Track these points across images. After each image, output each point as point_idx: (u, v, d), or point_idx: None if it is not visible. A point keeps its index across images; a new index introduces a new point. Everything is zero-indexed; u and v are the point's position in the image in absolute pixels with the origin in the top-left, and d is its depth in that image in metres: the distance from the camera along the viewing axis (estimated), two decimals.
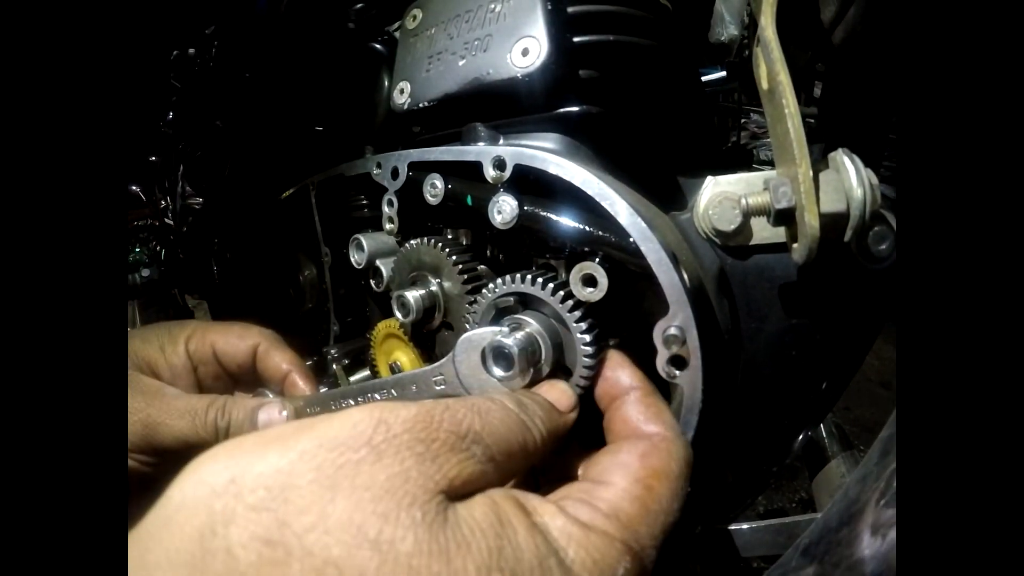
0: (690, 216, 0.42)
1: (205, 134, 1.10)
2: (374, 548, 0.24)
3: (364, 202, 0.69)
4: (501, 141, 0.51)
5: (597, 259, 0.40)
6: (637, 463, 0.33)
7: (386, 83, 0.68)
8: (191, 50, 1.04)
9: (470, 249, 0.52)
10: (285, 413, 0.50)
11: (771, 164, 0.40)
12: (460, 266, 0.49)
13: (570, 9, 0.47)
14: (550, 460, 0.38)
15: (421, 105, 0.54)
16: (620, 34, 0.49)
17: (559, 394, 0.38)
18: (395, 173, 0.56)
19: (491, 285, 0.43)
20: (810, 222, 0.32)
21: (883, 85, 0.49)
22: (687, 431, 0.39)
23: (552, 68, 0.46)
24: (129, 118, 1.12)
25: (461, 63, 0.51)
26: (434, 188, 0.51)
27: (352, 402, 0.47)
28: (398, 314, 0.51)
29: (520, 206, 0.44)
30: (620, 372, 0.39)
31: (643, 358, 0.40)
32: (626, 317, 0.43)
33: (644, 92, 0.52)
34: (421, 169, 0.53)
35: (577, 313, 0.39)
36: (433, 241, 0.51)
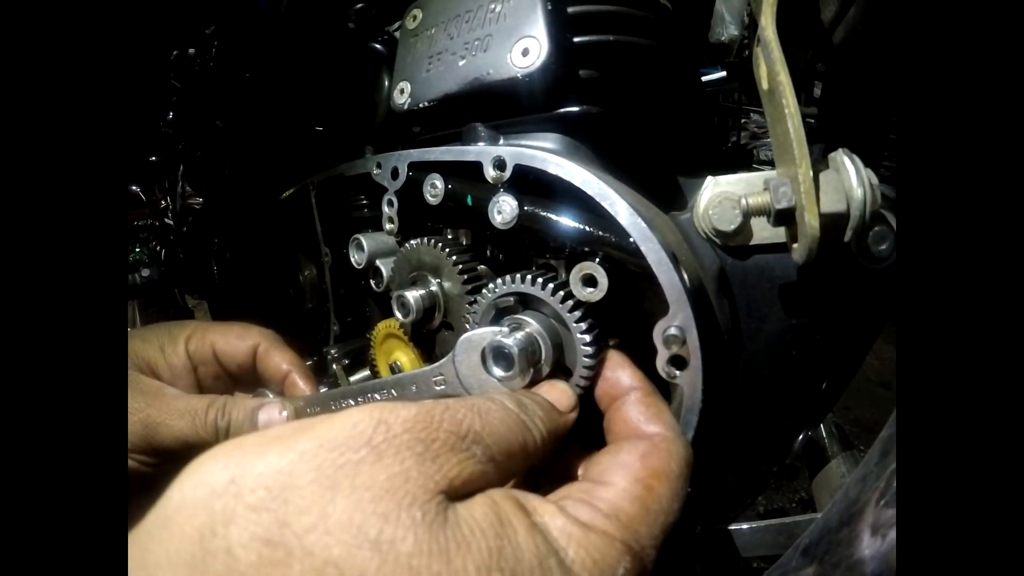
0: (690, 216, 0.42)
1: (205, 134, 1.10)
2: (374, 548, 0.24)
3: (364, 202, 0.69)
4: (501, 141, 0.51)
5: (597, 259, 0.40)
6: (637, 463, 0.33)
7: (386, 83, 0.68)
8: (191, 50, 1.04)
9: (470, 249, 0.52)
10: (285, 413, 0.50)
11: (771, 164, 0.40)
12: (460, 266, 0.49)
13: (570, 9, 0.47)
14: (550, 460, 0.38)
15: (421, 105, 0.54)
16: (620, 34, 0.49)
17: (559, 394, 0.38)
18: (395, 173, 0.56)
19: (491, 285, 0.43)
20: (810, 222, 0.32)
21: (883, 85, 0.49)
22: (687, 431, 0.39)
23: (552, 68, 0.46)
24: (129, 118, 1.12)
25: (461, 63, 0.51)
26: (434, 188, 0.51)
27: (352, 402, 0.47)
28: (398, 314, 0.51)
29: (520, 206, 0.44)
30: (620, 372, 0.39)
31: (643, 358, 0.40)
32: (626, 317, 0.43)
33: (644, 92, 0.52)
34: (421, 169, 0.53)
35: (577, 313, 0.39)
36: (433, 241, 0.51)
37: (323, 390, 0.55)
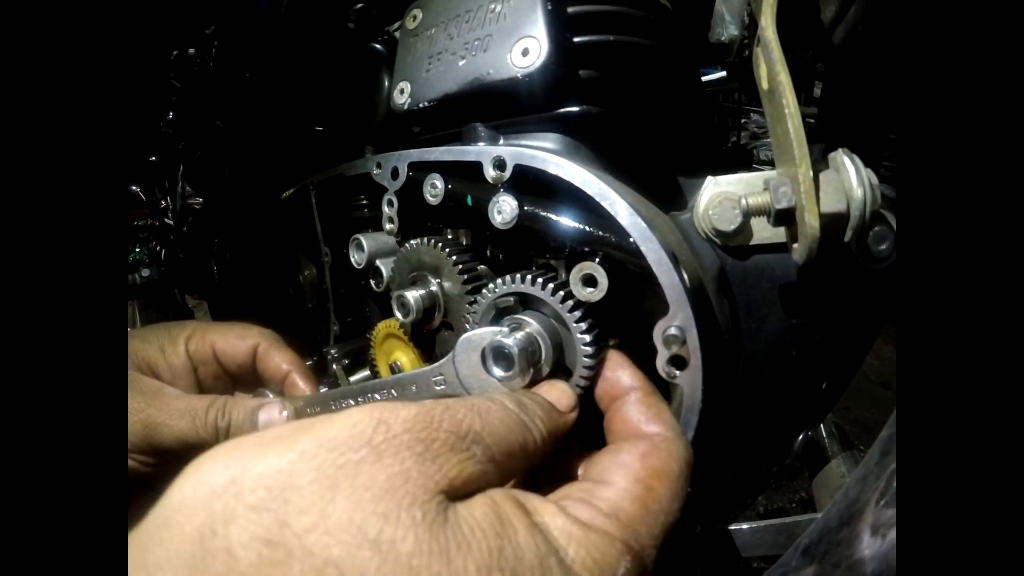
0: (690, 216, 0.42)
1: (205, 134, 1.10)
2: (374, 548, 0.24)
3: (364, 202, 0.69)
4: (501, 141, 0.51)
5: (597, 259, 0.40)
6: (638, 463, 0.33)
7: (386, 83, 0.68)
8: (191, 50, 1.04)
9: (470, 249, 0.52)
10: (285, 413, 0.50)
11: (771, 164, 0.40)
12: (460, 266, 0.49)
13: (570, 9, 0.47)
14: (550, 460, 0.38)
15: (421, 105, 0.54)
16: (620, 34, 0.49)
17: (559, 394, 0.38)
18: (395, 173, 0.56)
19: (491, 285, 0.43)
20: (810, 222, 0.32)
21: (883, 85, 0.49)
22: (687, 431, 0.39)
23: (552, 68, 0.46)
24: (129, 118, 1.12)
25: (461, 63, 0.51)
26: (434, 188, 0.51)
27: (352, 402, 0.47)
28: (398, 314, 0.51)
29: (520, 206, 0.44)
30: (620, 372, 0.39)
31: (643, 358, 0.40)
32: (626, 317, 0.43)
33: (644, 92, 0.52)
34: (421, 169, 0.53)
35: (577, 313, 0.39)
36: (433, 241, 0.51)
37: (323, 390, 0.55)
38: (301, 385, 0.57)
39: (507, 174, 0.45)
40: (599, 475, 0.33)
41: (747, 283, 0.41)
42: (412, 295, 0.50)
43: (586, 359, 0.39)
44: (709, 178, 0.41)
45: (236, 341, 0.57)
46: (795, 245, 0.35)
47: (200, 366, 0.57)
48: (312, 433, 0.27)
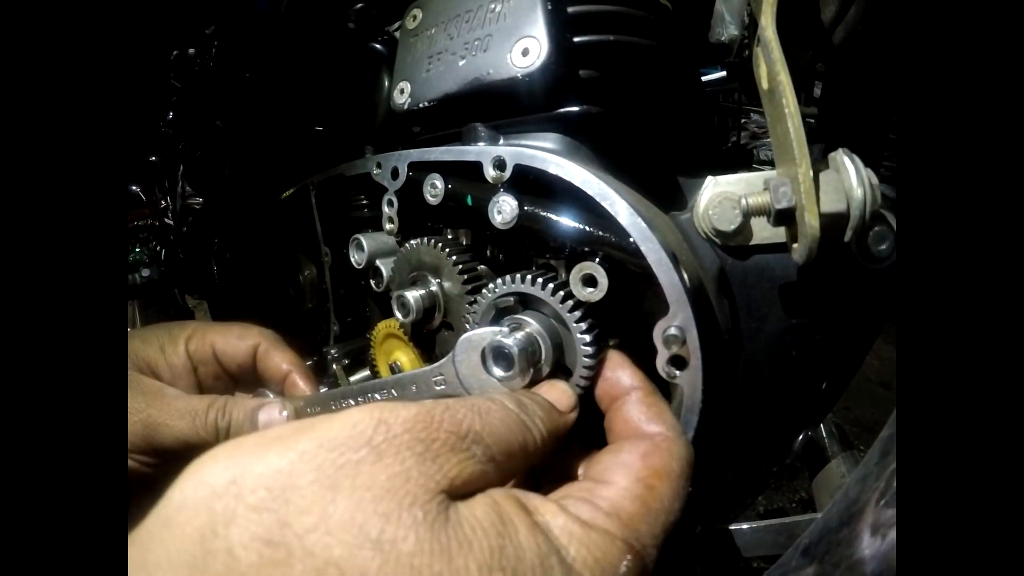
0: (690, 216, 0.42)
1: (205, 134, 1.10)
2: (376, 548, 0.24)
3: (364, 202, 0.69)
4: (501, 141, 0.51)
5: (597, 259, 0.40)
6: (639, 462, 0.33)
7: (386, 83, 0.68)
8: (191, 50, 1.04)
9: (470, 249, 0.52)
10: (285, 413, 0.50)
11: (771, 164, 0.40)
12: (460, 266, 0.49)
13: (570, 9, 0.47)
14: (551, 460, 0.38)
15: (421, 105, 0.54)
16: (620, 34, 0.49)
17: (559, 394, 0.38)
18: (395, 173, 0.56)
19: (491, 285, 0.43)
20: (810, 222, 0.32)
21: (883, 85, 0.49)
22: (687, 431, 0.39)
23: (552, 68, 0.46)
24: (129, 118, 1.12)
25: (461, 63, 0.51)
26: (434, 188, 0.51)
27: (352, 402, 0.47)
28: (398, 314, 0.51)
29: (520, 206, 0.44)
30: (620, 372, 0.39)
31: (643, 358, 0.40)
32: (626, 317, 0.43)
33: (644, 92, 0.52)
34: (421, 169, 0.53)
35: (577, 313, 0.39)
36: (433, 241, 0.51)
37: (323, 390, 0.55)
38: (301, 385, 0.57)
39: (507, 174, 0.45)
40: (600, 475, 0.33)
41: (747, 283, 0.41)
42: (412, 295, 0.50)
43: (586, 359, 0.39)
44: (709, 178, 0.41)
45: (236, 341, 0.57)
46: (795, 245, 0.35)
47: (200, 366, 0.57)
48: (312, 433, 0.27)
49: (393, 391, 0.45)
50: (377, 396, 0.46)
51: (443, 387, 0.42)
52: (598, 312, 0.40)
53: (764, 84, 0.40)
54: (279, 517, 0.24)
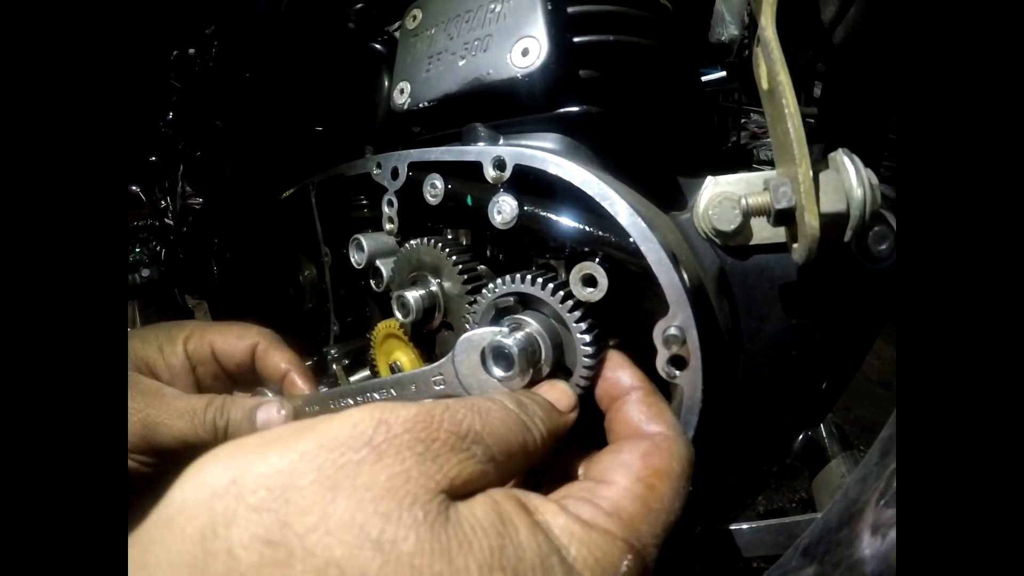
0: (690, 216, 0.42)
1: (205, 134, 1.10)
2: (376, 548, 0.24)
3: (364, 202, 0.69)
4: (501, 141, 0.51)
5: (597, 259, 0.40)
6: (639, 462, 0.33)
7: (386, 83, 0.68)
8: (191, 50, 1.04)
9: (470, 249, 0.52)
10: (284, 412, 0.50)
11: (771, 164, 0.40)
12: (460, 266, 0.49)
13: (570, 9, 0.47)
14: (551, 460, 0.38)
15: (421, 105, 0.54)
16: (620, 34, 0.49)
17: (559, 394, 0.38)
18: (395, 173, 0.56)
19: (491, 285, 0.43)
20: (810, 222, 0.32)
21: (883, 85, 0.49)
22: (687, 431, 0.39)
23: (552, 68, 0.46)
24: (129, 118, 1.12)
25: (461, 63, 0.51)
26: (434, 188, 0.51)
27: (352, 402, 0.47)
28: (398, 314, 0.51)
29: (520, 206, 0.44)
30: (621, 372, 0.39)
31: (643, 358, 0.40)
32: (626, 317, 0.43)
33: (644, 92, 0.52)
34: (421, 169, 0.53)
35: (577, 313, 0.39)
36: (433, 241, 0.51)
37: (322, 390, 0.55)
38: (300, 384, 0.57)
39: (507, 174, 0.45)
40: (600, 474, 0.33)
41: (747, 283, 0.41)
42: (412, 295, 0.50)
43: (586, 359, 0.39)
44: (709, 178, 0.41)
45: (235, 341, 0.57)
46: (795, 245, 0.35)
47: (199, 366, 0.57)
48: (312, 433, 0.27)
49: (392, 391, 0.45)
50: (376, 396, 0.46)
51: (443, 387, 0.42)
52: (598, 312, 0.40)
53: (764, 84, 0.40)
54: (280, 517, 0.24)
